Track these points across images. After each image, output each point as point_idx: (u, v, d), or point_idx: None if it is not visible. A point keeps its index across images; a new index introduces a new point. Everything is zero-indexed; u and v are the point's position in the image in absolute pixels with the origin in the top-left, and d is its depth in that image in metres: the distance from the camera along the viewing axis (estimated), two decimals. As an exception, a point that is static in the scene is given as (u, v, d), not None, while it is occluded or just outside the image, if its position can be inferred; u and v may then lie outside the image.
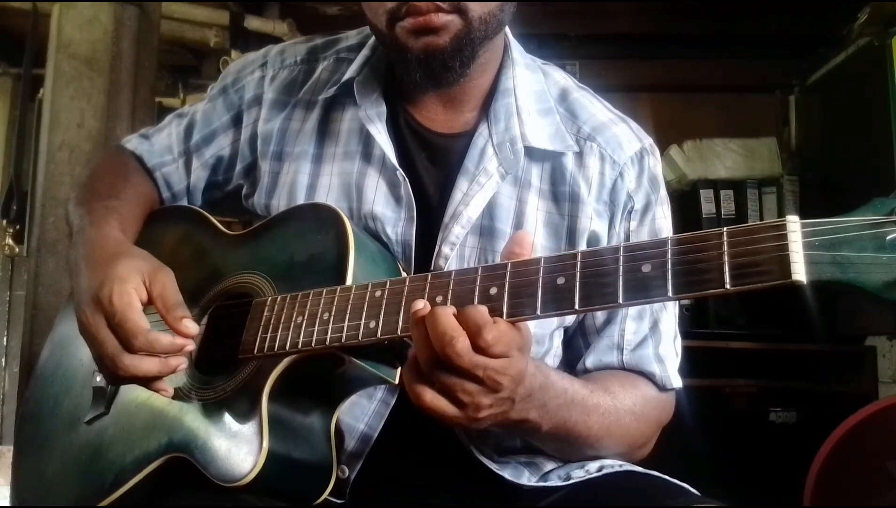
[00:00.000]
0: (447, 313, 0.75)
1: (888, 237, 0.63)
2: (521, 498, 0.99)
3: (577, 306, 0.74)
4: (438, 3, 0.93)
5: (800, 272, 0.64)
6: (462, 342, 0.73)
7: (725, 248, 0.68)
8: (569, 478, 0.98)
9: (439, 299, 0.81)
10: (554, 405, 0.87)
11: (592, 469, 0.99)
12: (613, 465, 1.00)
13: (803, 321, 2.81)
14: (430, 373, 0.76)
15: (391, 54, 1.02)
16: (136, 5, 2.33)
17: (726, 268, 0.67)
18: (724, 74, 3.35)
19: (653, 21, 3.26)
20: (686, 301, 2.92)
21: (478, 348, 0.74)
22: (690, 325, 2.87)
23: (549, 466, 1.02)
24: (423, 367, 0.77)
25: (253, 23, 3.16)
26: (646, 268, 0.71)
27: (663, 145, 3.17)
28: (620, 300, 0.72)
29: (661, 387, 1.05)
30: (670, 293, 0.70)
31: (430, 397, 0.77)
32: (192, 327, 0.91)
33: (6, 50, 3.43)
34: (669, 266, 0.70)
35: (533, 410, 0.83)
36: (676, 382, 1.06)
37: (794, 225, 0.66)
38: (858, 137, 2.84)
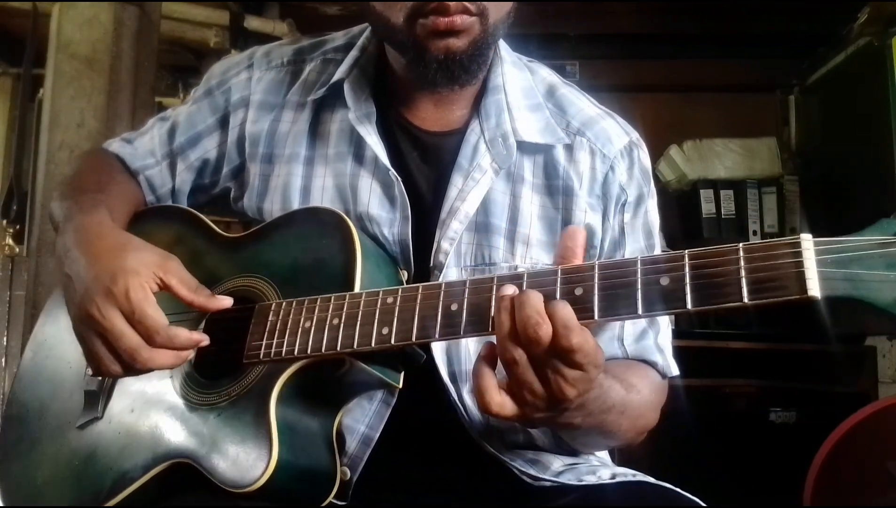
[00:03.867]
0: (539, 298, 0.73)
1: None
2: (529, 498, 0.99)
3: (596, 317, 0.75)
4: (466, 4, 0.93)
5: (815, 288, 0.67)
6: (546, 329, 0.72)
7: (742, 263, 0.70)
8: (580, 482, 0.98)
9: (454, 306, 0.81)
10: (597, 411, 0.87)
11: (605, 476, 0.99)
12: (626, 474, 1.01)
13: (803, 321, 2.82)
14: (504, 357, 0.75)
15: (403, 52, 1.00)
16: (136, 5, 2.33)
17: (744, 283, 0.69)
18: (724, 74, 3.35)
19: (653, 21, 3.26)
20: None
21: (561, 348, 0.72)
22: (690, 325, 2.87)
23: (556, 465, 1.02)
24: (499, 350, 0.75)
25: (253, 23, 3.16)
26: (664, 281, 0.73)
27: (663, 145, 3.17)
28: (640, 311, 0.73)
29: (663, 375, 1.07)
30: (689, 306, 0.71)
31: (499, 399, 0.76)
32: (226, 300, 0.94)
33: (6, 50, 3.42)
34: (688, 280, 0.72)
35: (579, 416, 0.83)
36: (675, 369, 1.08)
37: (807, 243, 0.68)
38: (858, 136, 2.84)
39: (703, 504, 0.92)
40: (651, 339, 1.06)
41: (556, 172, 1.05)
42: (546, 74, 1.14)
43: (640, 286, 0.73)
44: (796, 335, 2.80)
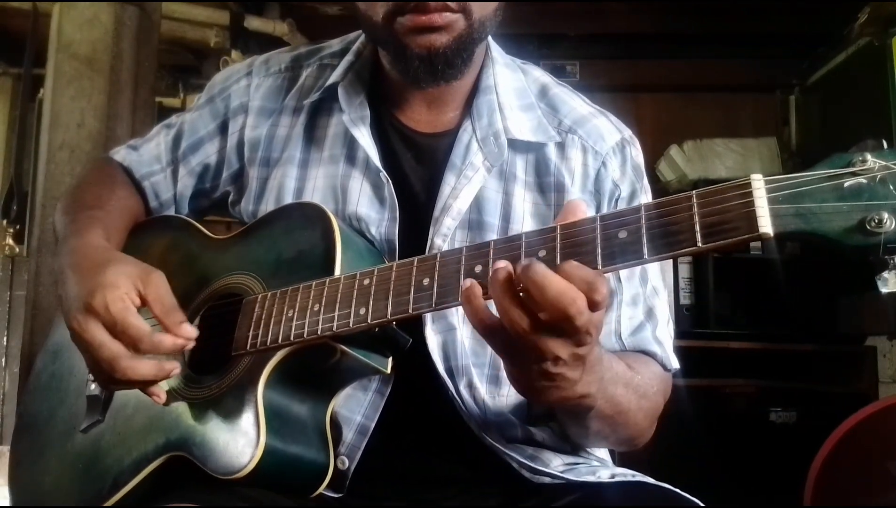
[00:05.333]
0: (554, 276, 0.70)
1: (846, 185, 0.67)
2: (527, 493, 0.99)
3: None
4: (448, 2, 0.94)
5: (766, 226, 0.67)
6: (582, 302, 0.69)
7: (695, 209, 0.71)
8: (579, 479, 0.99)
9: (426, 281, 0.82)
10: (608, 378, 0.86)
11: (604, 476, 1.00)
12: (626, 474, 1.01)
13: (803, 321, 2.82)
14: (525, 340, 0.72)
15: (387, 49, 1.02)
16: (136, 5, 2.33)
17: (697, 227, 0.70)
18: (724, 74, 3.36)
19: (653, 21, 3.27)
20: (687, 301, 2.93)
21: (595, 303, 0.70)
22: (690, 325, 2.88)
23: (556, 463, 1.02)
24: (520, 336, 0.72)
25: (253, 23, 3.17)
26: (622, 234, 0.73)
27: (663, 145, 3.17)
28: (599, 266, 0.73)
29: (663, 367, 1.07)
30: (646, 255, 0.72)
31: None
32: (190, 330, 0.92)
33: (6, 50, 3.43)
34: (644, 230, 0.73)
35: (594, 383, 0.82)
36: (675, 363, 1.08)
37: (758, 183, 0.69)
38: (858, 137, 2.84)
39: (703, 505, 0.92)
40: (648, 331, 1.07)
41: (548, 169, 1.06)
42: (539, 74, 1.15)
43: (599, 242, 0.74)
44: (796, 335, 2.81)
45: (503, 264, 0.73)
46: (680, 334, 2.95)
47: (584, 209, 0.77)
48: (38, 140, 2.41)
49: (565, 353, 0.74)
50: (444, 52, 0.96)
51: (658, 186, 3.14)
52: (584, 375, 0.78)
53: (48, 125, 2.25)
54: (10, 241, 3.20)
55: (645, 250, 0.72)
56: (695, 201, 0.71)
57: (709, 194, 0.70)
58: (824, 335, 2.85)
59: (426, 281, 0.82)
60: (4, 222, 3.13)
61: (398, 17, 0.95)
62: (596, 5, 3.20)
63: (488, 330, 0.74)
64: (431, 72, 0.98)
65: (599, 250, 0.74)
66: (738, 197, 0.69)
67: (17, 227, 3.09)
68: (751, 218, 0.68)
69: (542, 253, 0.76)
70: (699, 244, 0.69)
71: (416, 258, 0.85)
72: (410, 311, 0.83)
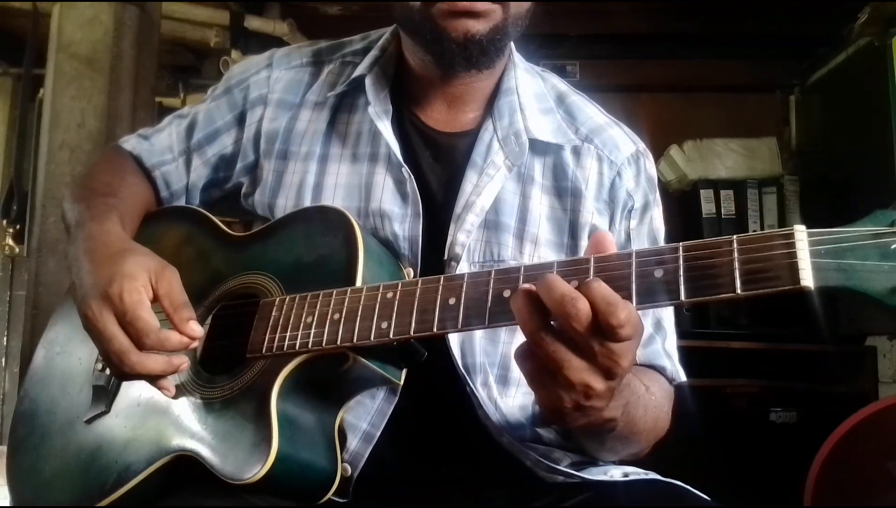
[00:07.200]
0: (562, 280, 0.70)
1: (893, 247, 0.66)
2: (540, 493, 0.99)
3: None
4: None
5: (808, 279, 0.67)
6: (584, 304, 0.68)
7: (736, 254, 0.70)
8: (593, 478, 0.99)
9: (452, 300, 0.82)
10: (632, 402, 0.87)
11: (616, 474, 1.00)
12: (638, 472, 1.01)
13: (804, 321, 2.82)
14: (536, 343, 0.71)
15: (422, 34, 1.01)
16: (136, 5, 2.34)
17: (737, 274, 0.69)
18: (724, 74, 3.35)
19: (653, 21, 3.26)
20: (686, 301, 2.93)
21: (609, 326, 0.68)
22: (691, 325, 2.87)
23: (566, 462, 1.02)
24: (529, 339, 0.72)
25: (253, 23, 3.16)
26: (658, 273, 0.72)
27: (663, 145, 3.17)
28: (634, 304, 0.72)
29: (671, 381, 1.07)
30: (683, 298, 0.71)
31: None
32: (197, 329, 0.93)
33: (6, 50, 3.43)
34: (682, 271, 0.72)
35: (619, 408, 0.82)
36: (683, 376, 1.09)
37: (801, 234, 0.68)
38: (858, 136, 2.85)
39: (716, 503, 0.92)
40: (658, 344, 1.07)
41: (565, 173, 1.07)
42: (556, 81, 1.17)
43: (634, 279, 0.73)
44: (796, 335, 2.80)
45: (527, 285, 0.73)
46: (680, 334, 2.91)
47: (610, 240, 0.76)
48: (38, 140, 2.41)
49: (599, 385, 0.72)
50: (480, 39, 0.97)
51: (658, 186, 3.13)
52: (610, 401, 0.77)
53: (48, 125, 2.25)
54: (10, 241, 3.19)
55: (682, 292, 0.71)
56: (735, 246, 0.70)
57: (750, 241, 0.70)
58: (824, 335, 2.84)
59: (452, 300, 0.82)
60: (4, 222, 3.12)
61: (437, 1, 0.96)
62: (597, 5, 3.19)
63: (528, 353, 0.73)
64: (466, 57, 0.99)
65: (634, 287, 0.72)
66: (781, 246, 0.68)
67: (17, 227, 3.08)
68: (793, 270, 0.67)
69: (573, 284, 0.74)
70: (738, 292, 0.69)
71: (442, 277, 0.85)
72: (434, 330, 0.82)
